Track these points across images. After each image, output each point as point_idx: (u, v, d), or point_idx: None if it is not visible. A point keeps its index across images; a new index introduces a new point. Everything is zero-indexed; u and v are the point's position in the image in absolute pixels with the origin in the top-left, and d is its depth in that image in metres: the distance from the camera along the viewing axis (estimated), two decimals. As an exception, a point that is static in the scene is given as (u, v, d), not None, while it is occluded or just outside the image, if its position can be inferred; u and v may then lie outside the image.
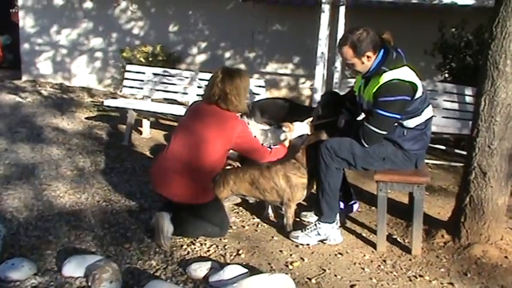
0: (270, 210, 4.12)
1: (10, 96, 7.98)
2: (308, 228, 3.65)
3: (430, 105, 3.56)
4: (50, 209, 4.04)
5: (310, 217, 4.00)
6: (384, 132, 3.41)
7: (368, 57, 3.42)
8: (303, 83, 8.98)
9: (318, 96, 6.68)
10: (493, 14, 3.37)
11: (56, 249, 3.37)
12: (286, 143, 3.90)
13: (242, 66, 9.10)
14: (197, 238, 3.63)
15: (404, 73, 3.37)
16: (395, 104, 3.34)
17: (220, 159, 3.64)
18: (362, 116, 3.76)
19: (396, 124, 3.45)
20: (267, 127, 4.29)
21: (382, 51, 3.44)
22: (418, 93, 3.40)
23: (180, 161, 3.57)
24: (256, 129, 4.18)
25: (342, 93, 4.55)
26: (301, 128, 3.97)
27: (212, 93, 3.61)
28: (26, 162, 5.08)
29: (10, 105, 7.44)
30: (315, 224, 3.64)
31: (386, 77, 3.35)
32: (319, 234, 3.62)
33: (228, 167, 3.92)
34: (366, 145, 3.46)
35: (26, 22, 10.00)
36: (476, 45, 6.29)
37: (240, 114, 5.00)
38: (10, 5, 11.60)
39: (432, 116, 3.58)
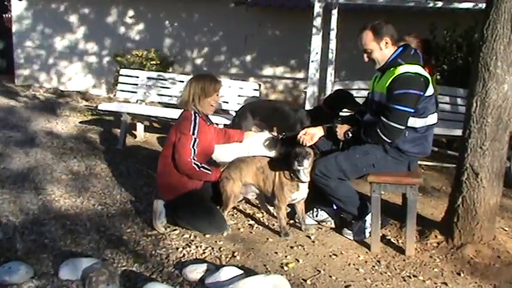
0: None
1: (3, 100, 7.97)
2: (357, 228, 3.76)
3: (436, 114, 3.61)
4: (46, 213, 4.05)
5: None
6: (403, 127, 3.46)
7: (386, 43, 3.51)
8: (297, 86, 9.01)
9: (311, 100, 6.70)
10: (484, 16, 3.42)
11: (52, 252, 3.38)
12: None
13: (236, 70, 9.13)
14: (193, 241, 3.66)
15: (418, 69, 3.45)
16: (409, 97, 3.39)
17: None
18: (367, 117, 3.76)
19: None
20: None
21: (402, 47, 3.58)
22: (429, 91, 3.47)
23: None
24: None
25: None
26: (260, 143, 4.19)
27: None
28: (20, 167, 5.08)
29: (3, 109, 7.43)
30: (362, 224, 3.74)
31: (401, 69, 3.43)
32: (366, 227, 3.73)
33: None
34: (389, 141, 3.50)
35: (20, 27, 9.99)
36: (466, 48, 6.36)
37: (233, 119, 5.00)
38: (3, 10, 11.61)
39: (435, 124, 3.62)
